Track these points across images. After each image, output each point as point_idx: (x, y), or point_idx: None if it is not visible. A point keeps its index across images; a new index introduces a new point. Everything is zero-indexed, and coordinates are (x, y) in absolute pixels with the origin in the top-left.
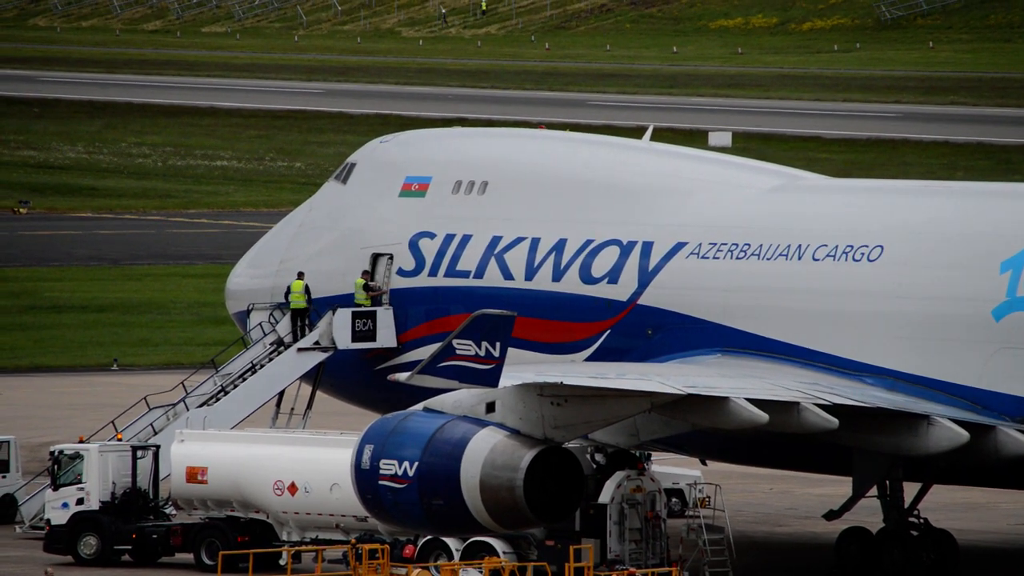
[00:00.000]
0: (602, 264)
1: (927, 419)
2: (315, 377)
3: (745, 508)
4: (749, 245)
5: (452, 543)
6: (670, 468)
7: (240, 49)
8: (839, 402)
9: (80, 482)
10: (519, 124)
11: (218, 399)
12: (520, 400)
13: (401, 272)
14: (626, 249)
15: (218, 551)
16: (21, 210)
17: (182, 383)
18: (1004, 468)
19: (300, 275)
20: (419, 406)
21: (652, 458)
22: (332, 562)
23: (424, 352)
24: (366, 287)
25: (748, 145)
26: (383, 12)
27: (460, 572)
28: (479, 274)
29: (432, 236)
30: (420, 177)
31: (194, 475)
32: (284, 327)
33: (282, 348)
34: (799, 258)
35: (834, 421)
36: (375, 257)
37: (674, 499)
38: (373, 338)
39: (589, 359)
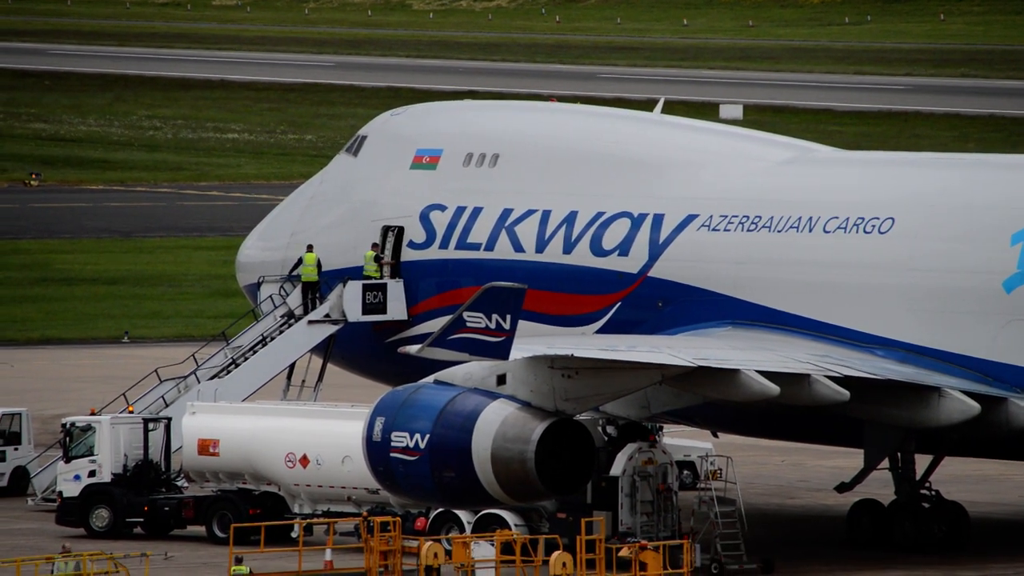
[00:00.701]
0: (613, 236)
1: (938, 391)
2: (326, 349)
3: (757, 480)
4: (760, 217)
5: (464, 516)
6: (682, 440)
7: (250, 22)
8: (850, 374)
9: (92, 454)
10: (530, 97)
11: (229, 371)
12: (531, 372)
13: (412, 244)
14: (637, 221)
15: (230, 523)
16: (32, 182)
17: (193, 355)
18: (1015, 440)
19: (310, 248)
20: (430, 378)
21: (664, 430)
22: (344, 535)
23: (435, 325)
24: (376, 259)
25: (760, 117)
26: None
27: (472, 544)
28: (490, 246)
29: (443, 208)
30: (431, 150)
31: (206, 447)
32: (295, 299)
33: (293, 321)
34: (810, 230)
35: (845, 393)
36: (385, 229)
37: (686, 471)
38: (384, 310)
39: (600, 331)
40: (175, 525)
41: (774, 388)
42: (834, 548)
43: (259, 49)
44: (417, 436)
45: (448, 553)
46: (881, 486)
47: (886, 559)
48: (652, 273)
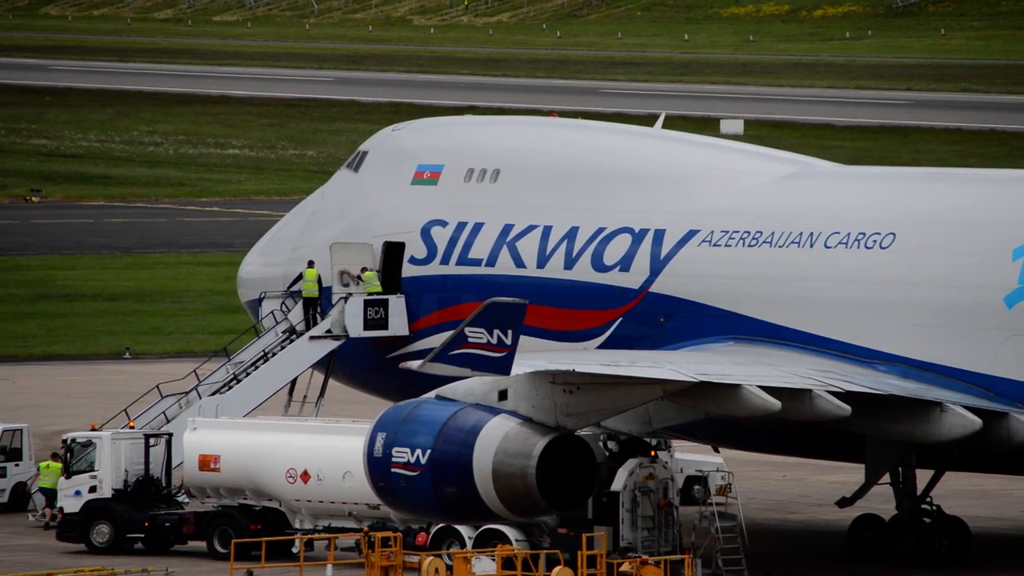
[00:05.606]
0: (614, 252)
1: (940, 406)
2: (327, 365)
3: (758, 495)
4: (761, 233)
5: (464, 531)
6: (694, 455)
7: (251, 37)
8: (852, 389)
9: (93, 470)
10: (531, 112)
11: (230, 387)
12: (532, 388)
13: (413, 260)
14: (638, 237)
15: (231, 539)
16: (33, 199)
17: (194, 371)
18: (1016, 455)
19: (311, 263)
20: (431, 394)
21: (673, 445)
22: (345, 550)
23: (436, 340)
24: (358, 278)
25: (760, 132)
26: (394, 0)
27: (472, 560)
28: (491, 262)
29: (444, 224)
30: (432, 165)
31: (207, 463)
32: (296, 315)
33: (294, 336)
34: (811, 246)
35: (847, 408)
36: (386, 245)
37: (697, 486)
38: (385, 326)
39: (601, 347)
40: (176, 541)
41: (775, 403)
42: (835, 563)
43: (260, 64)
44: (418, 451)
45: (449, 568)
46: (882, 501)
47: (887, 574)
48: (653, 288)
